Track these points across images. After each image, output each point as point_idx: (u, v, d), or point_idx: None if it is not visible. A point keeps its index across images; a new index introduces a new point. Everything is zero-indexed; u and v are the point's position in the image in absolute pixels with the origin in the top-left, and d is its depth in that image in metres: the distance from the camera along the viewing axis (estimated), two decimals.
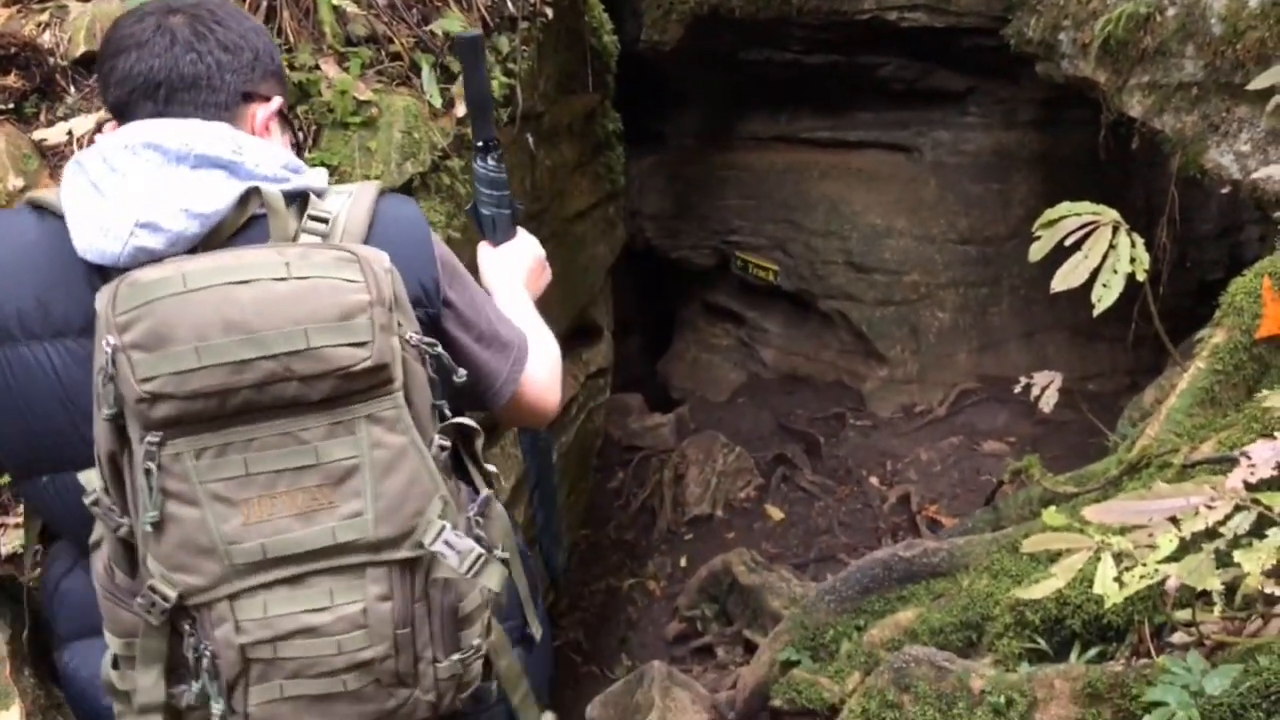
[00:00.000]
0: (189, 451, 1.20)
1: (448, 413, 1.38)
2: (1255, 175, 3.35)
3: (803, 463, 6.84)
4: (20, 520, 1.95)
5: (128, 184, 1.26)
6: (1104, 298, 2.55)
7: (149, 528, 1.20)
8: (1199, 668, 1.81)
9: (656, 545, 6.16)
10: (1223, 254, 7.35)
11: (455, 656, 1.35)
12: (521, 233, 1.91)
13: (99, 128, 2.39)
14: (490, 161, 1.84)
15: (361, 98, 2.53)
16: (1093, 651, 2.37)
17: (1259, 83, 3.20)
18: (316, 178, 1.39)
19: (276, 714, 1.29)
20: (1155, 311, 2.94)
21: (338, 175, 2.44)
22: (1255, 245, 7.10)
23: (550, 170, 4.02)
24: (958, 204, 7.56)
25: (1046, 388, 3.31)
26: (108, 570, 1.27)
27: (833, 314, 7.83)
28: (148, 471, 1.19)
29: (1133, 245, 2.57)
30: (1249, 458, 1.47)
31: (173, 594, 1.22)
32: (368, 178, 2.44)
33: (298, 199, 1.34)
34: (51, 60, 2.46)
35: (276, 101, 1.46)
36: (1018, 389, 3.48)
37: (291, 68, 2.48)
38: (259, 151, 1.34)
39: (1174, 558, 1.61)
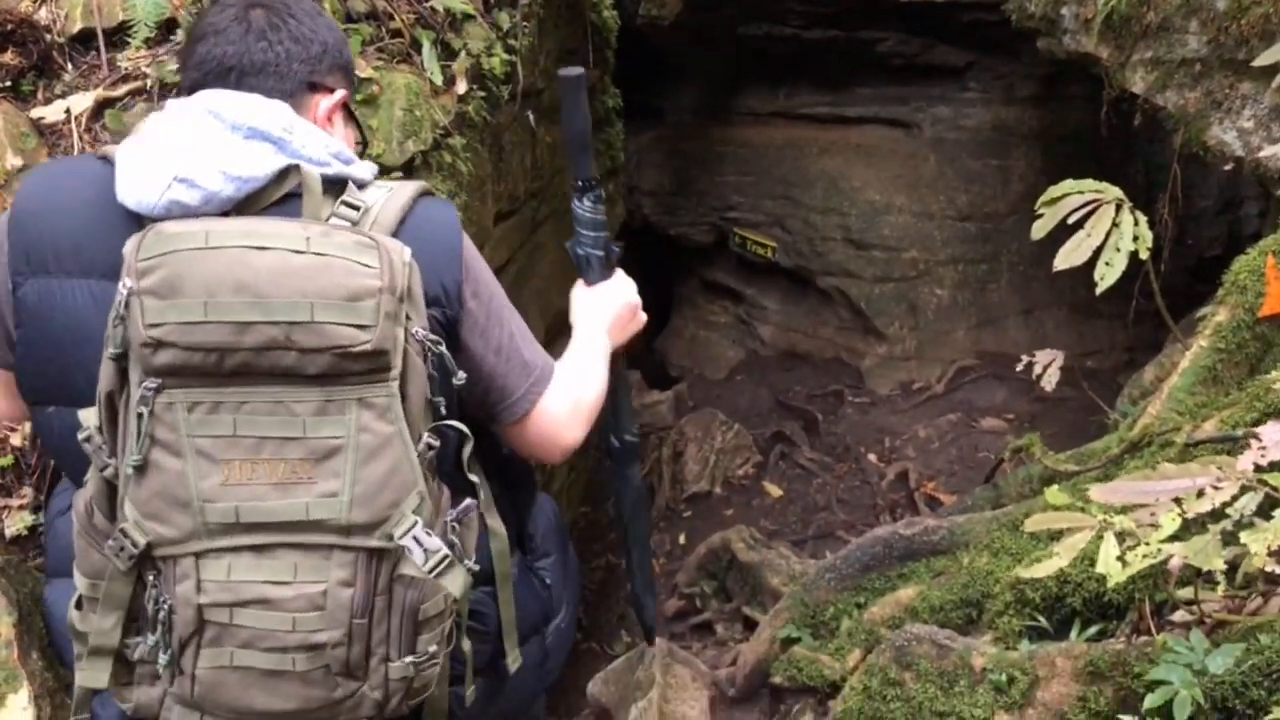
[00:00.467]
0: (182, 403, 1.23)
1: (443, 411, 1.38)
2: (1261, 155, 3.34)
3: (801, 440, 6.85)
4: (22, 503, 1.96)
5: (176, 140, 1.32)
6: (1106, 276, 2.54)
7: (131, 470, 1.23)
8: (1202, 647, 1.81)
9: (655, 522, 6.17)
10: (1222, 230, 7.35)
11: (409, 659, 1.34)
12: (619, 274, 1.90)
13: (99, 107, 2.37)
14: (587, 202, 1.84)
15: (362, 75, 2.51)
16: (1093, 629, 2.38)
17: (1264, 59, 3.18)
18: (363, 169, 1.44)
19: (223, 681, 1.29)
20: (1157, 289, 2.93)
21: None
22: (1254, 221, 7.09)
23: (550, 147, 4.00)
24: (957, 180, 7.54)
25: (1048, 366, 3.31)
26: (88, 509, 1.30)
27: (831, 291, 7.82)
28: (140, 415, 1.22)
29: (1135, 223, 2.56)
30: (1259, 440, 1.47)
31: (142, 541, 1.25)
32: (368, 157, 2.43)
33: (336, 185, 1.38)
34: (48, 37, 2.43)
35: (340, 94, 1.53)
36: (1019, 367, 3.48)
37: None
38: (309, 134, 1.40)
39: (1176, 537, 1.61)
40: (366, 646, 1.31)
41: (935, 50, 7.19)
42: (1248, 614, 2.01)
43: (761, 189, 8.04)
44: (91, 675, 1.32)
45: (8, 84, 2.37)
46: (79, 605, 1.34)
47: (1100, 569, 1.70)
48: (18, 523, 1.93)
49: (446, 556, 1.32)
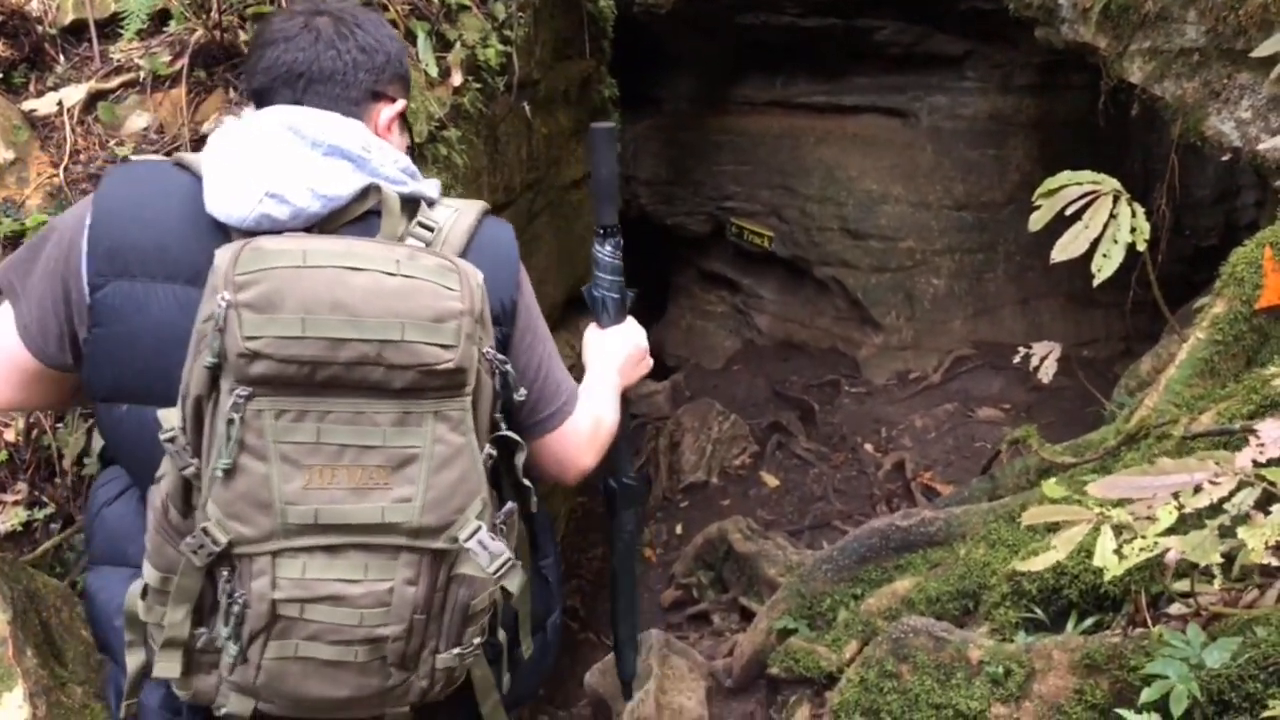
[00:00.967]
0: (270, 410, 1.29)
1: (501, 425, 1.48)
2: (1261, 147, 3.33)
3: (798, 430, 6.85)
4: (16, 499, 1.95)
5: (263, 156, 1.38)
6: (1104, 268, 2.54)
7: (220, 473, 1.29)
8: (1198, 641, 1.82)
9: (652, 512, 6.17)
10: (1218, 220, 7.34)
11: (455, 650, 1.43)
12: (630, 320, 1.97)
13: (91, 99, 2.35)
14: (608, 247, 1.91)
15: None
16: (1089, 621, 2.38)
17: (1262, 50, 3.17)
18: (431, 187, 1.51)
19: (286, 671, 1.36)
20: (1154, 279, 2.93)
21: None
22: (1251, 211, 7.09)
23: (546, 138, 3.98)
24: (954, 170, 7.53)
25: (1046, 357, 3.31)
26: (164, 505, 1.35)
27: (828, 280, 7.82)
28: (230, 421, 1.28)
29: (1133, 215, 2.55)
30: (1258, 436, 1.47)
31: (224, 539, 1.30)
32: None
33: (410, 203, 1.46)
34: (40, 29, 2.42)
35: (401, 104, 1.61)
36: (1017, 359, 3.48)
37: None
38: (384, 153, 1.47)
39: (1172, 530, 1.62)
40: (421, 640, 1.40)
41: (932, 39, 7.17)
42: (1243, 607, 2.01)
43: (758, 178, 8.02)
44: (165, 666, 1.37)
45: None
46: (144, 595, 1.38)
47: (1098, 562, 1.70)
48: (12, 519, 1.92)
49: (510, 559, 1.41)
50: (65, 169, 2.24)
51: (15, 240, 2.11)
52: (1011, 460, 3.60)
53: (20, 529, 1.93)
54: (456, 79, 2.83)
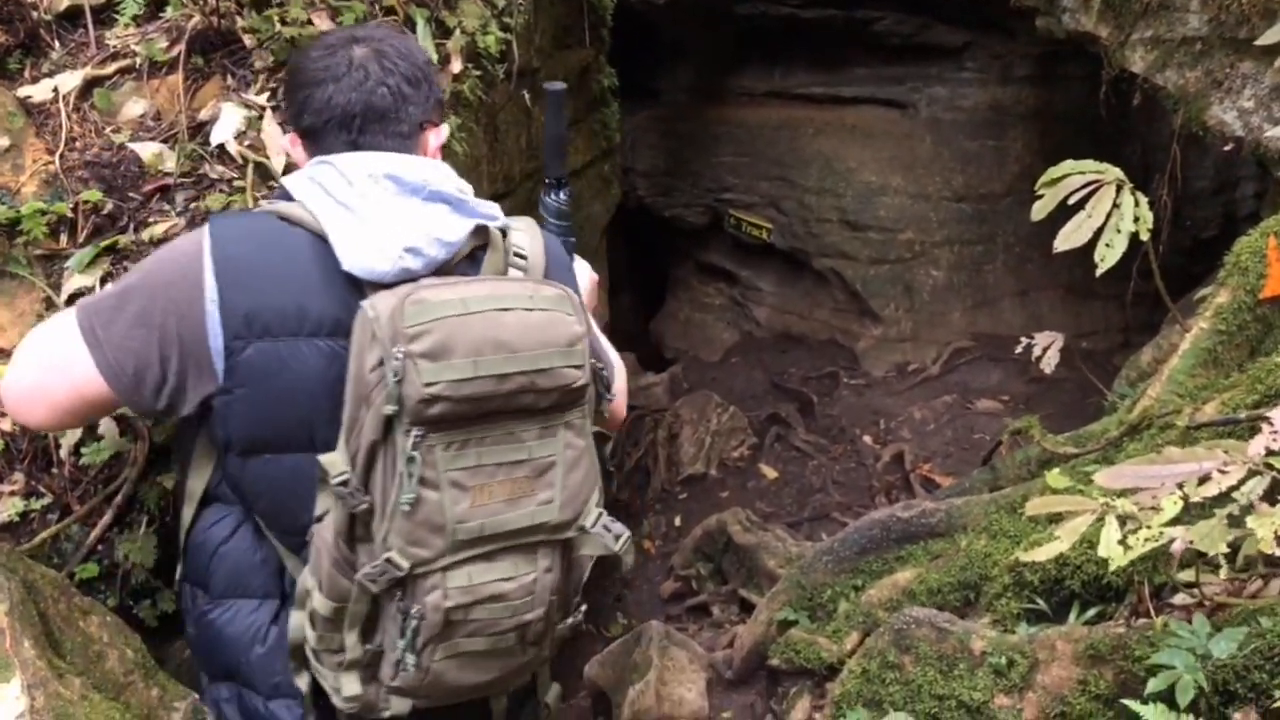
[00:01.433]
0: (440, 444, 1.42)
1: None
2: (1265, 136, 3.31)
3: (796, 422, 6.84)
4: (13, 489, 1.93)
5: (382, 211, 1.50)
6: (1107, 258, 2.52)
7: (407, 507, 1.41)
8: (1204, 631, 1.81)
9: (651, 504, 6.17)
10: (1218, 211, 7.33)
11: (569, 620, 1.66)
12: (578, 259, 2.08)
13: (87, 86, 2.33)
14: (562, 196, 2.04)
15: None
16: (1092, 611, 2.37)
17: (1266, 39, 3.16)
18: (499, 212, 1.65)
19: (447, 668, 1.52)
20: (1156, 270, 2.91)
21: None
22: (1251, 202, 7.08)
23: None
24: (953, 161, 7.51)
25: (1048, 349, 3.29)
26: (335, 542, 1.47)
27: (826, 272, 7.80)
28: (410, 459, 1.40)
29: (1136, 204, 2.54)
30: (1270, 423, 1.46)
31: (406, 565, 1.43)
32: None
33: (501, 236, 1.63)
34: (35, 14, 2.39)
35: (444, 129, 1.73)
36: (1019, 350, 3.46)
37: (283, 22, 2.42)
38: (472, 193, 1.63)
39: (1177, 520, 1.60)
40: (552, 618, 1.59)
41: (932, 30, 7.14)
42: (1247, 597, 2.00)
43: (757, 170, 8.00)
44: (349, 685, 1.52)
45: None
46: (313, 624, 1.52)
47: (1102, 552, 1.70)
48: (8, 509, 1.90)
49: (629, 535, 1.60)
50: (61, 156, 2.22)
51: (9, 227, 2.09)
52: (1012, 451, 3.59)
53: (17, 519, 1.91)
54: (456, 66, 2.80)
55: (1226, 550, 1.62)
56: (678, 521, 5.91)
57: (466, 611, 1.49)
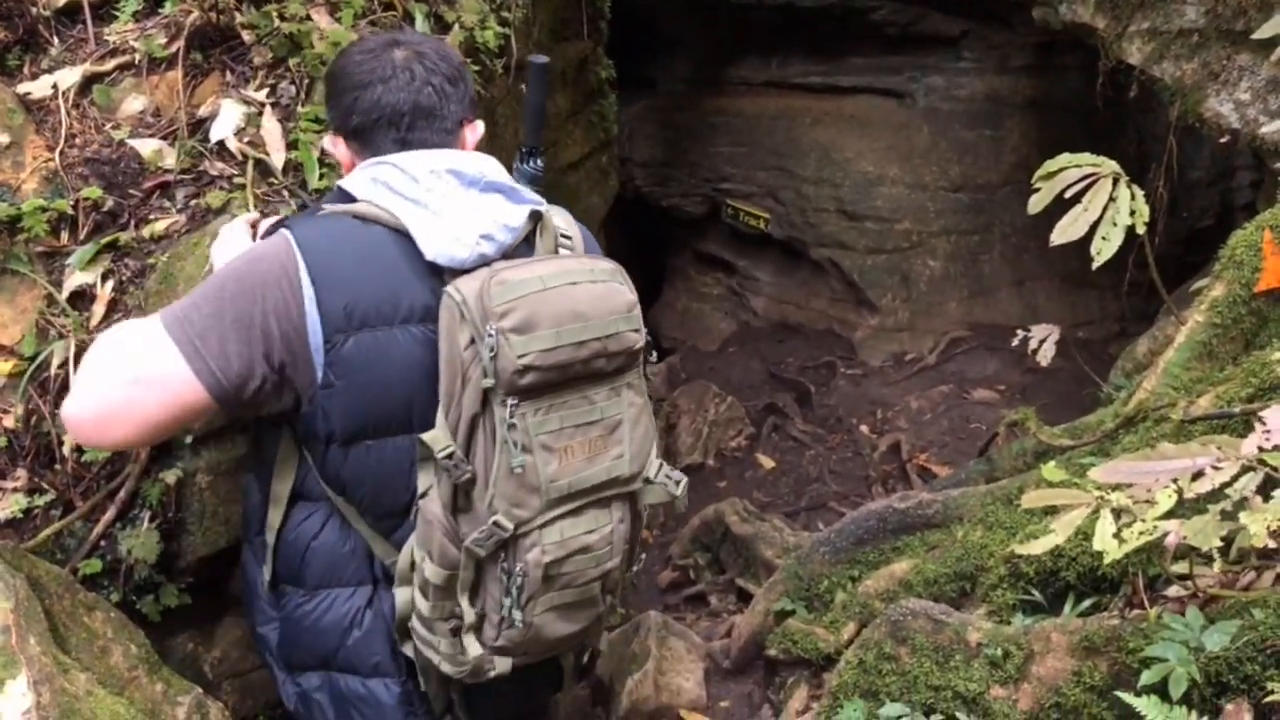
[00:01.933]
0: (530, 410, 1.56)
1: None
2: (1264, 130, 3.32)
3: (793, 411, 6.86)
4: (16, 486, 1.94)
5: (451, 203, 1.63)
6: (1103, 250, 2.53)
7: (520, 469, 1.55)
8: (1198, 623, 1.82)
9: None
10: (1214, 202, 7.34)
11: (635, 568, 1.83)
12: None
13: (87, 82, 2.33)
14: (538, 163, 2.10)
15: None
16: (1087, 603, 2.39)
17: (1263, 31, 3.16)
18: (540, 199, 1.77)
19: (545, 621, 1.65)
20: (1152, 261, 2.93)
21: None
22: (1246, 193, 7.09)
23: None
24: (950, 151, 7.51)
25: (1044, 341, 3.31)
26: (444, 513, 1.58)
27: (824, 262, 7.81)
28: (510, 426, 1.54)
29: (1132, 197, 2.55)
30: (1263, 423, 1.47)
31: (510, 526, 1.57)
32: None
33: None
34: (34, 11, 2.39)
35: (479, 125, 1.84)
36: (1015, 342, 3.48)
37: (282, 18, 2.43)
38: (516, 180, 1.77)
39: (1171, 513, 1.62)
40: (623, 567, 1.75)
41: (929, 19, 7.13)
42: (1240, 589, 2.02)
43: (754, 160, 7.99)
44: (472, 645, 1.63)
45: None
46: (426, 594, 1.62)
47: (1097, 546, 1.71)
48: (12, 505, 1.91)
49: (687, 481, 1.78)
50: (61, 152, 2.23)
51: (10, 224, 2.09)
52: (1009, 443, 3.60)
53: (20, 516, 1.93)
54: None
55: (1221, 544, 1.64)
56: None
57: (560, 565, 1.62)
